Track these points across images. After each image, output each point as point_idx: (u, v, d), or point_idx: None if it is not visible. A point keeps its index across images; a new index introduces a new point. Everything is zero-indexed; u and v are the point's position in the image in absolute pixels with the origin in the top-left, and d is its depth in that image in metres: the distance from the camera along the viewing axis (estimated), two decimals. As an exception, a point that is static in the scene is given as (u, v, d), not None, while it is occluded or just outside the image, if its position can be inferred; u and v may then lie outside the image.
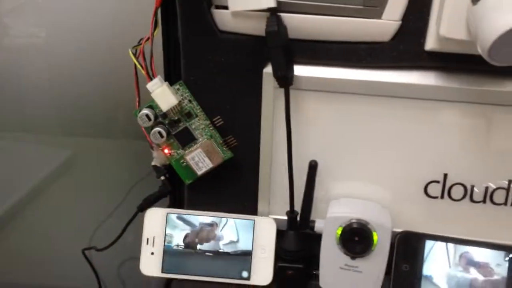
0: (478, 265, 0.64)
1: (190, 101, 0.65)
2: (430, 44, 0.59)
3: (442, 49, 0.59)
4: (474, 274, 0.64)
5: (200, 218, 0.69)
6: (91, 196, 0.91)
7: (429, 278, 0.65)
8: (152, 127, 0.64)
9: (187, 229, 0.69)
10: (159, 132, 0.64)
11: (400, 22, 0.59)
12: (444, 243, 0.65)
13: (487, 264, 0.64)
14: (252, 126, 0.66)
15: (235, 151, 0.67)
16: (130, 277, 0.89)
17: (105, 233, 0.78)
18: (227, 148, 0.66)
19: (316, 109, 0.64)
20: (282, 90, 0.61)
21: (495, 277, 0.64)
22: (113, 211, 0.86)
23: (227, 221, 0.69)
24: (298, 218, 0.67)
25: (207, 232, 0.69)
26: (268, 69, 0.62)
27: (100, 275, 0.89)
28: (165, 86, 0.62)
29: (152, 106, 0.64)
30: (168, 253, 0.69)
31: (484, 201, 0.65)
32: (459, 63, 0.59)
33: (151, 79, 0.63)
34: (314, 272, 0.67)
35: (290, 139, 0.63)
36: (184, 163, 0.67)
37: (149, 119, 0.64)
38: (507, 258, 0.64)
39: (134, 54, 0.64)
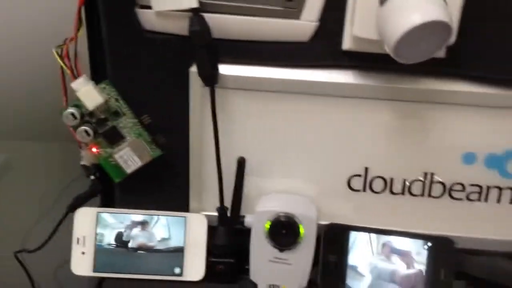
0: (399, 254, 0.67)
1: (117, 99, 0.65)
2: (347, 44, 0.61)
3: (357, 49, 0.61)
4: (395, 262, 0.67)
5: (132, 216, 0.69)
6: (24, 199, 0.90)
7: (354, 268, 0.67)
8: (78, 126, 0.64)
9: (118, 228, 0.69)
10: (86, 131, 0.64)
11: (317, 23, 0.61)
12: (367, 234, 0.67)
13: (408, 252, 0.67)
14: (181, 124, 0.66)
15: (165, 149, 0.68)
16: (66, 279, 0.88)
17: (38, 236, 0.77)
18: (156, 146, 0.67)
19: (242, 107, 0.66)
20: (208, 89, 0.63)
21: (415, 264, 0.67)
22: (45, 214, 0.85)
23: (158, 218, 0.69)
24: (229, 214, 0.68)
25: (139, 230, 0.69)
26: (194, 68, 0.63)
27: (35, 279, 0.87)
28: (90, 85, 0.63)
29: (78, 105, 0.65)
30: (100, 252, 0.69)
31: (403, 193, 0.68)
32: (373, 62, 0.61)
33: (76, 79, 0.63)
34: (246, 267, 0.68)
35: (217, 137, 0.65)
36: (113, 162, 0.67)
37: (75, 117, 0.64)
38: (425, 246, 0.67)
39: (60, 54, 0.64)
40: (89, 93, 0.63)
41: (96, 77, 0.67)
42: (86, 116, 0.65)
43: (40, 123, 0.86)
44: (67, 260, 0.70)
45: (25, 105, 0.81)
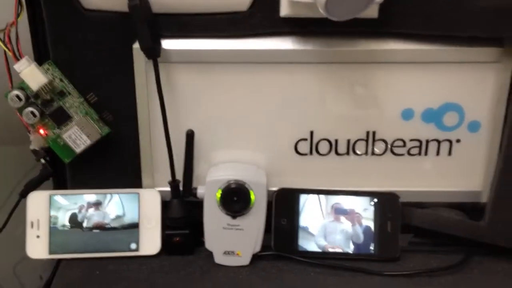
0: (348, 212, 0.69)
1: (61, 79, 0.66)
2: (284, 10, 0.63)
3: (294, 15, 0.63)
4: (344, 221, 0.70)
5: (85, 196, 0.70)
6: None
7: (305, 229, 0.69)
8: (24, 108, 0.64)
9: (72, 209, 0.69)
10: (32, 112, 0.65)
11: (255, -9, 0.63)
12: (316, 196, 0.70)
13: (355, 210, 0.70)
14: (128, 101, 0.67)
15: (113, 126, 0.68)
16: (23, 270, 0.87)
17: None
18: (104, 123, 0.68)
19: (187, 80, 0.67)
20: (152, 64, 0.64)
21: (363, 221, 0.69)
22: (1, 207, 0.84)
23: (111, 196, 0.70)
24: (181, 187, 0.69)
25: (93, 210, 0.70)
26: (137, 45, 0.64)
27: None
28: (33, 66, 0.63)
29: (23, 87, 0.65)
30: (54, 234, 0.69)
31: (347, 153, 0.70)
32: (311, 26, 0.63)
33: (18, 61, 0.63)
34: (202, 239, 0.69)
35: (165, 111, 0.66)
36: (62, 142, 0.67)
37: (20, 99, 0.64)
38: (372, 203, 0.70)
39: (1, 39, 0.64)
40: (32, 74, 0.63)
41: (40, 59, 0.67)
42: (31, 98, 0.66)
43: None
44: (23, 248, 0.69)
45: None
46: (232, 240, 0.67)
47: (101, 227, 0.69)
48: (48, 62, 0.65)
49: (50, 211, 0.69)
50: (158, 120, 0.66)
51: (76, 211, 0.69)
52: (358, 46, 0.65)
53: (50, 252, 0.69)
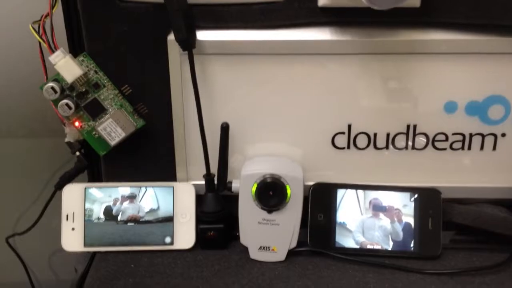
0: (387, 208, 0.68)
1: (96, 71, 0.65)
2: (322, 0, 0.61)
3: (333, 4, 0.61)
4: (383, 217, 0.68)
5: (119, 189, 0.69)
6: (13, 187, 0.90)
7: (343, 225, 0.68)
8: (59, 100, 0.64)
9: (107, 202, 0.69)
10: (67, 104, 0.64)
11: (292, -19, 0.61)
12: (354, 191, 0.68)
13: (395, 206, 0.68)
14: (163, 93, 0.66)
15: (148, 119, 0.68)
16: (58, 262, 0.88)
17: (30, 219, 0.77)
18: (139, 116, 0.67)
19: (222, 72, 0.65)
20: (187, 56, 0.63)
21: (403, 217, 0.67)
22: (37, 197, 0.85)
23: (146, 189, 0.69)
24: (216, 181, 0.68)
25: (127, 203, 0.69)
26: (171, 36, 0.63)
27: (28, 264, 0.87)
28: (68, 57, 0.63)
29: (58, 79, 0.65)
30: (89, 227, 0.69)
31: (387, 147, 0.68)
32: (350, 16, 0.62)
33: (53, 52, 0.63)
34: (237, 234, 0.69)
35: (199, 103, 0.65)
36: (96, 135, 0.67)
37: (55, 91, 0.64)
38: (412, 199, 0.67)
39: (36, 30, 0.64)
40: (67, 66, 0.63)
41: (74, 51, 0.67)
42: (66, 90, 0.65)
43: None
44: (59, 240, 0.69)
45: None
46: (268, 235, 0.66)
47: (135, 220, 0.69)
48: (83, 54, 0.65)
49: (85, 203, 0.69)
50: (193, 112, 0.66)
51: (111, 204, 0.69)
52: (399, 36, 0.63)
53: (85, 245, 0.69)
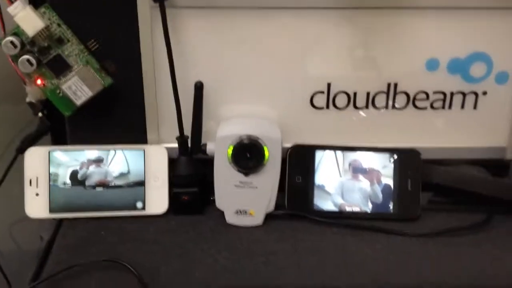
0: (366, 170, 0.66)
1: (59, 25, 0.61)
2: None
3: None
4: (362, 179, 0.66)
5: (86, 152, 0.66)
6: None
7: (321, 187, 0.66)
8: (19, 56, 0.59)
9: (73, 166, 0.65)
10: (28, 60, 0.60)
11: None
12: (332, 152, 0.66)
13: (374, 167, 0.66)
14: (132, 49, 0.63)
15: (116, 77, 0.64)
16: (22, 230, 0.84)
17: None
18: (106, 74, 0.63)
19: (196, 27, 0.62)
20: (158, 9, 0.59)
21: (383, 178, 0.66)
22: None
23: (115, 153, 0.66)
24: (189, 143, 0.66)
25: (95, 167, 0.66)
26: (140, -14, 0.59)
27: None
28: (28, 9, 0.58)
29: (18, 33, 0.60)
30: (55, 192, 0.65)
31: (366, 106, 0.66)
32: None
33: (12, 3, 0.58)
34: (212, 198, 0.66)
35: (172, 60, 0.62)
36: (61, 94, 0.63)
37: (15, 46, 0.59)
38: (391, 159, 0.66)
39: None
40: (28, 18, 0.58)
41: (35, 2, 0.61)
42: (27, 45, 0.61)
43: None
44: (22, 207, 0.65)
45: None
46: (245, 199, 0.64)
47: (104, 185, 0.66)
48: (44, 5, 0.60)
49: (49, 168, 0.65)
50: (165, 70, 0.62)
51: (77, 168, 0.65)
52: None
53: (51, 211, 0.65)
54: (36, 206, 0.65)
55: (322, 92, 0.66)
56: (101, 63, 0.63)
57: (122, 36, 0.62)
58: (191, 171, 0.66)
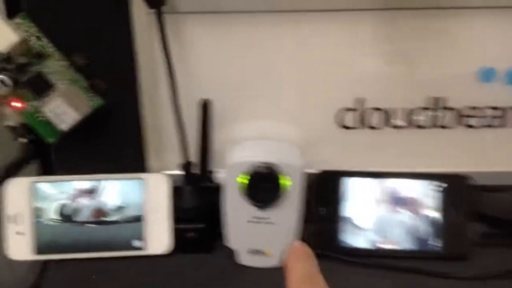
0: (406, 200, 0.58)
1: (38, 37, 0.53)
2: None
3: None
4: (400, 210, 0.58)
5: (75, 183, 0.58)
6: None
7: (351, 221, 0.58)
8: (-8, 75, 0.52)
9: (60, 199, 0.58)
10: (2, 81, 0.51)
11: None
12: (365, 179, 0.58)
13: (416, 197, 0.58)
14: (126, 64, 0.56)
15: (109, 96, 0.57)
16: (5, 275, 0.76)
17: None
18: (95, 93, 0.55)
19: (200, 35, 0.56)
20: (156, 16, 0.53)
21: (425, 210, 0.58)
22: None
23: (109, 183, 0.59)
24: (195, 170, 0.59)
25: (86, 200, 0.58)
26: (135, -9, 0.53)
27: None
28: (0, 20, 0.49)
29: (-11, 48, 0.51)
30: (40, 230, 0.58)
31: (406, 125, 0.59)
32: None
33: (-20, 13, 0.49)
34: (222, 235, 0.59)
35: (173, 74, 0.55)
36: (42, 118, 0.54)
37: (-15, 64, 0.50)
38: (436, 188, 0.58)
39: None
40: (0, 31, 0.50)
41: (9, 11, 0.54)
42: (2, 62, 0.52)
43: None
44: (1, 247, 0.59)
45: None
46: (260, 237, 0.57)
47: (96, 221, 0.58)
48: (20, 15, 0.53)
49: (33, 202, 0.58)
50: (165, 87, 0.56)
51: (65, 201, 0.58)
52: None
53: (35, 252, 0.58)
54: (19, 247, 0.58)
55: (353, 109, 0.58)
56: (89, 81, 0.55)
57: (114, 48, 0.55)
58: (197, 203, 0.60)
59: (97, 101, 0.56)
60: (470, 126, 0.59)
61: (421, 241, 0.58)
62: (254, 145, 0.58)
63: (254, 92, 0.58)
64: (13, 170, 0.58)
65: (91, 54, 0.55)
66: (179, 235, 0.59)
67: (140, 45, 0.55)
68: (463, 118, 0.58)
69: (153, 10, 0.53)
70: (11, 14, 0.54)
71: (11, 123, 0.56)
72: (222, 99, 0.58)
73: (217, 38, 0.55)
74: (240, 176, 0.55)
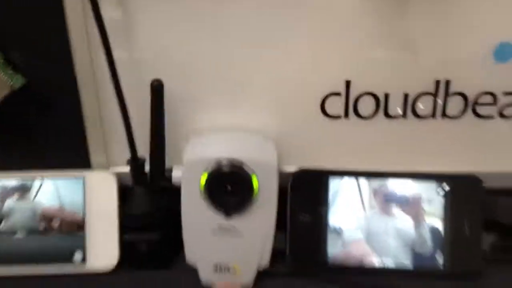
0: (402, 204, 0.52)
1: None
2: None
3: None
4: (397, 218, 0.51)
5: (2, 181, 0.52)
6: None
7: (337, 229, 0.51)
8: None
9: (-17, 201, 0.51)
10: None
11: None
12: (354, 179, 0.52)
13: (415, 201, 0.52)
14: (57, 40, 0.49)
15: (37, 76, 0.50)
16: None
17: None
18: (14, 70, 0.49)
19: (150, 5, 0.48)
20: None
21: (427, 217, 0.51)
22: None
23: (42, 182, 0.53)
24: (147, 168, 0.53)
25: (15, 201, 0.52)
26: None
27: None
28: None
29: None
30: (-43, 240, 0.51)
31: (404, 114, 0.53)
32: None
33: None
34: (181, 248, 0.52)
35: (110, 52, 0.47)
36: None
37: None
38: (441, 191, 0.52)
39: None
40: None
41: None
42: None
43: None
44: None
45: None
46: (226, 250, 0.51)
47: (27, 228, 0.51)
48: None
49: None
50: (105, 68, 0.48)
51: None
52: None
53: None
54: None
55: (338, 94, 0.52)
56: (6, 56, 0.48)
57: (43, 21, 0.48)
58: (150, 209, 0.52)
59: (17, 80, 0.49)
60: (482, 116, 0.52)
61: (421, 255, 0.52)
62: (217, 138, 0.52)
63: (220, 74, 0.51)
64: None
65: (7, 24, 0.47)
66: (128, 248, 0.53)
67: (72, 17, 0.47)
68: (474, 105, 0.51)
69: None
70: None
71: None
72: (178, 81, 0.51)
73: (170, 7, 0.48)
74: (200, 175, 0.48)
